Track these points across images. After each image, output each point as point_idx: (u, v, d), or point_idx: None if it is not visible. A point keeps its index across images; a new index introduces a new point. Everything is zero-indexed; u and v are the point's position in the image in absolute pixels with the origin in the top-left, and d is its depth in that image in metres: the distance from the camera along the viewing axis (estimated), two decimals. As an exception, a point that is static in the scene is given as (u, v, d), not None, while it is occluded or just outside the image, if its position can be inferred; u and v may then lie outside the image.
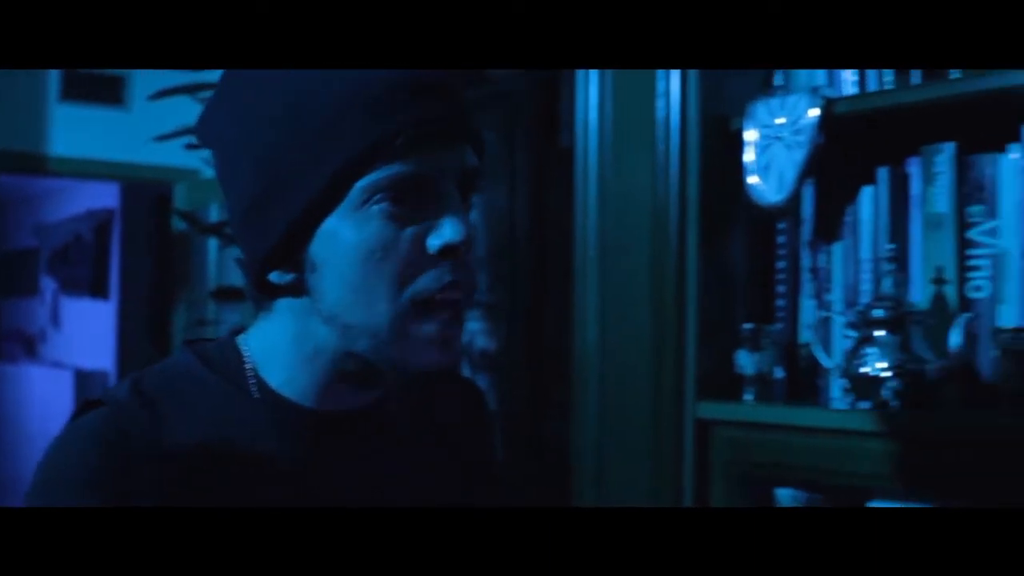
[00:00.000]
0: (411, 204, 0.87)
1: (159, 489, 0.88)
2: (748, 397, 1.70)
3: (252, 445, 0.92)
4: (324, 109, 0.86)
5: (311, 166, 0.86)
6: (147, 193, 6.56)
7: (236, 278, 2.82)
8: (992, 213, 1.54)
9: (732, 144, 1.72)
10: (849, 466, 1.56)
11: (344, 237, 0.87)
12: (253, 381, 0.95)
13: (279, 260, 0.90)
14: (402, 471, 0.99)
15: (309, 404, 0.95)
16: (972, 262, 1.56)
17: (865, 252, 1.67)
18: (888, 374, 1.51)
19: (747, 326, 1.70)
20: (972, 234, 1.56)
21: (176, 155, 2.79)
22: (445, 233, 0.87)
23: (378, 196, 0.87)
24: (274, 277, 0.91)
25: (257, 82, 0.90)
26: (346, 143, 0.86)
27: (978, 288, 1.56)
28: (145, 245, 6.93)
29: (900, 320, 1.53)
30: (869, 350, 1.54)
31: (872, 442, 1.52)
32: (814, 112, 1.62)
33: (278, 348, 0.95)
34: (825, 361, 1.64)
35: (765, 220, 1.76)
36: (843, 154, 1.67)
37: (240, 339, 0.97)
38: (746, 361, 1.69)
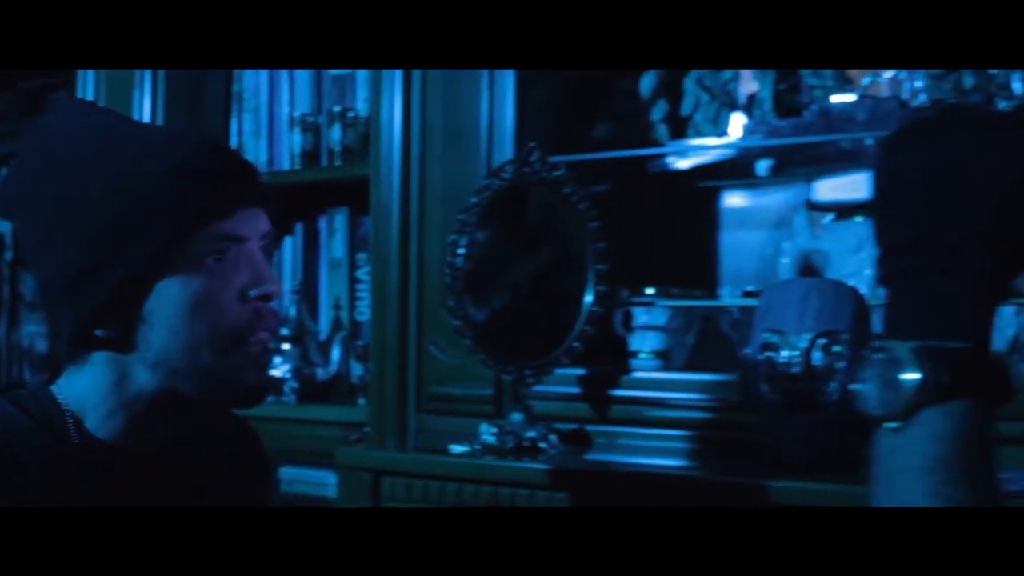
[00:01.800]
0: (229, 262, 1.01)
1: None
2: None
3: (71, 485, 1.00)
4: (151, 184, 0.98)
5: (145, 233, 0.98)
6: None
7: None
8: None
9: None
10: (275, 444, 2.13)
11: (173, 293, 0.99)
12: (72, 427, 1.02)
13: (107, 317, 1.00)
14: (193, 492, 1.10)
15: (126, 444, 1.04)
16: (359, 294, 2.19)
17: (287, 286, 2.25)
18: (289, 376, 2.11)
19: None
20: (359, 273, 2.19)
21: None
22: (261, 285, 1.02)
23: (203, 257, 0.99)
24: (100, 333, 1.00)
25: (73, 158, 1.01)
26: (176, 212, 0.98)
27: (361, 313, 2.18)
28: None
29: (300, 336, 2.13)
30: (278, 359, 2.13)
31: (285, 426, 2.11)
32: (242, 184, 2.18)
33: (96, 395, 1.03)
34: (254, 367, 2.21)
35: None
36: (271, 213, 2.25)
37: (54, 388, 1.05)
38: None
